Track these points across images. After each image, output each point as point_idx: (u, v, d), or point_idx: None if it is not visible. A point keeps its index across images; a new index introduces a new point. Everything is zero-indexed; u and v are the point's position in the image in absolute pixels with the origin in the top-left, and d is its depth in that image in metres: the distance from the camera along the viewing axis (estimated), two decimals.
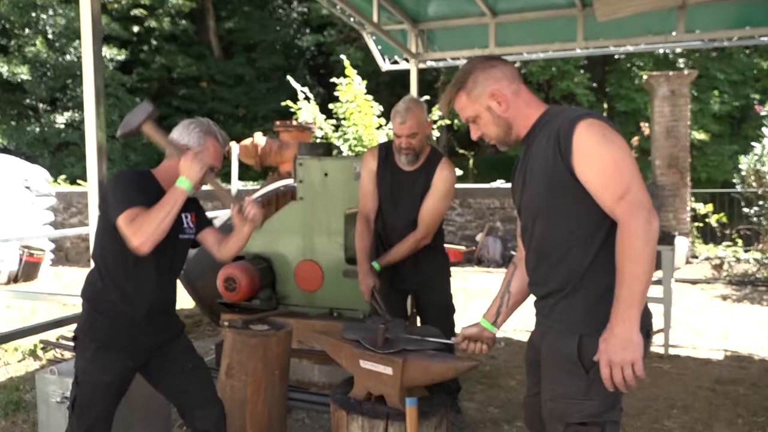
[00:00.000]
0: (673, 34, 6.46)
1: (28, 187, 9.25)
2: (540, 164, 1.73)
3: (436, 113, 10.94)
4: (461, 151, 17.81)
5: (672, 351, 4.91)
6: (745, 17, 6.33)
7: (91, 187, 3.13)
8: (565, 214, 1.71)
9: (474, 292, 7.37)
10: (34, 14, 19.06)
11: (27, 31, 19.28)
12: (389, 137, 7.25)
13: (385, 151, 3.21)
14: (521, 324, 5.71)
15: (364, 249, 3.10)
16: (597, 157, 1.61)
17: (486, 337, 2.10)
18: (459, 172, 11.82)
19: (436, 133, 11.09)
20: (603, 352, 1.57)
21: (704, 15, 6.39)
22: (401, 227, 3.17)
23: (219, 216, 5.85)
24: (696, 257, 9.58)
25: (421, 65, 7.61)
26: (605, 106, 17.91)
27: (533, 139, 1.79)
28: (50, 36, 19.31)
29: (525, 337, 5.41)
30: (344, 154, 9.85)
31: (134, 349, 2.23)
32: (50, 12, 19.20)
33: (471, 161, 16.77)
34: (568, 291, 1.74)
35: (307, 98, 10.93)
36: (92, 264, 2.33)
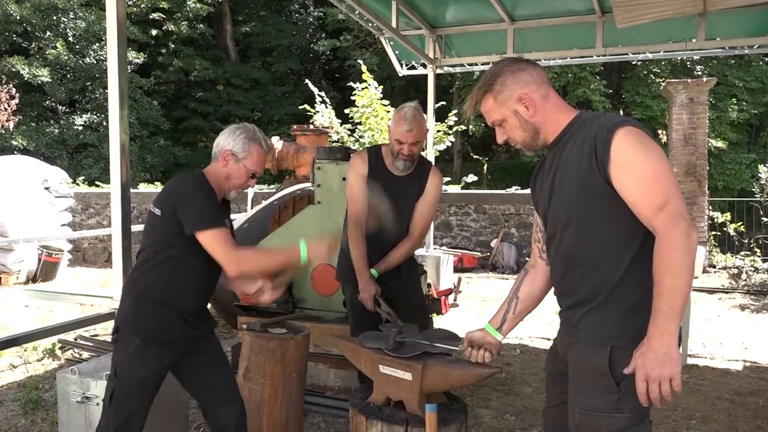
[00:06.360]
0: (693, 41, 6.41)
1: (47, 188, 9.38)
2: (573, 171, 1.67)
3: (451, 118, 10.95)
4: (475, 156, 17.79)
5: (690, 361, 4.85)
6: (766, 25, 6.27)
7: (114, 188, 3.16)
8: (598, 223, 1.66)
9: (488, 299, 7.35)
10: (55, 17, 19.37)
11: (48, 33, 19.59)
12: None
13: (375, 155, 3.13)
14: (537, 331, 5.68)
15: (362, 256, 3.01)
16: (636, 166, 1.56)
17: (489, 343, 2.01)
18: (473, 177, 11.91)
19: (451, 138, 11.08)
20: (640, 367, 1.52)
21: (724, 22, 6.34)
22: (395, 232, 3.08)
23: (235, 219, 5.86)
24: (714, 266, 9.47)
25: (438, 71, 7.63)
26: (621, 112, 17.79)
27: (563, 146, 1.72)
28: (71, 39, 19.60)
29: (540, 345, 5.41)
30: None
31: (177, 342, 2.27)
32: (71, 15, 19.51)
33: (485, 167, 16.73)
34: (599, 302, 1.68)
35: (324, 102, 11.00)
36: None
